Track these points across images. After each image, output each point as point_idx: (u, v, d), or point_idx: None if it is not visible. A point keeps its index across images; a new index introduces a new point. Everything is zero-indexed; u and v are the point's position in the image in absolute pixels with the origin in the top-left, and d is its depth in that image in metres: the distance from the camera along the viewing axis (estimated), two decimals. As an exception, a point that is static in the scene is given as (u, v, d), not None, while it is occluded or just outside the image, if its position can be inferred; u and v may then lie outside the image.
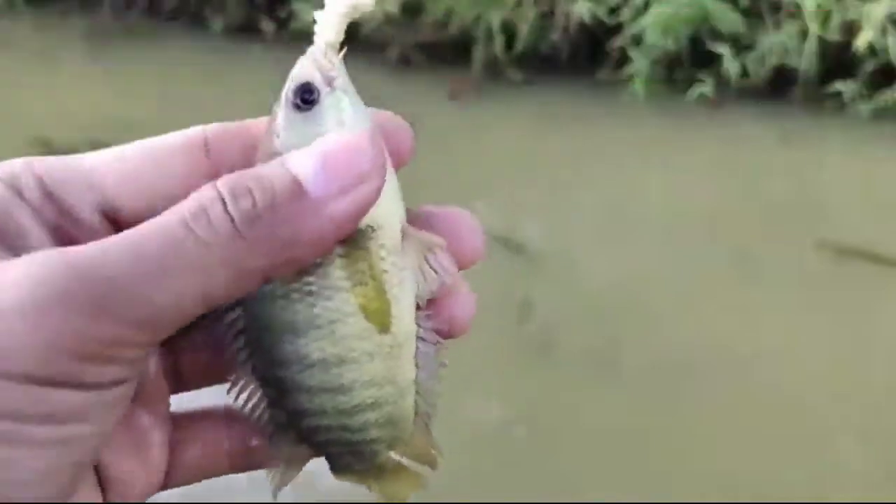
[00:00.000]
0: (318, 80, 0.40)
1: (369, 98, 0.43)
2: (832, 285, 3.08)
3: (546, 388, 2.65)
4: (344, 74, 0.41)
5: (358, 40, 4.82)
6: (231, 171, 0.37)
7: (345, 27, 0.41)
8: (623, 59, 4.41)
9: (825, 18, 4.16)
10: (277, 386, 0.41)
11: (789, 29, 4.22)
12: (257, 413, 0.41)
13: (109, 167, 0.39)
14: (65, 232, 0.38)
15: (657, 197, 3.67)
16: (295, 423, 0.41)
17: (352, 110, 0.40)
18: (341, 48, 0.42)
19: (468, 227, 0.42)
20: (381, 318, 0.40)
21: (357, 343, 0.40)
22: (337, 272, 0.40)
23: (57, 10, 5.48)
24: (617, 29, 4.45)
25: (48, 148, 3.83)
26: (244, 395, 0.41)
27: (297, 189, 0.35)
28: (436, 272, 0.41)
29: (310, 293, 0.39)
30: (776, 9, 4.28)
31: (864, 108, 4.06)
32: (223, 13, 5.26)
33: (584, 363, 2.73)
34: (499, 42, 4.59)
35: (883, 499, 2.24)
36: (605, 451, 2.44)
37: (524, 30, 4.57)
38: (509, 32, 4.62)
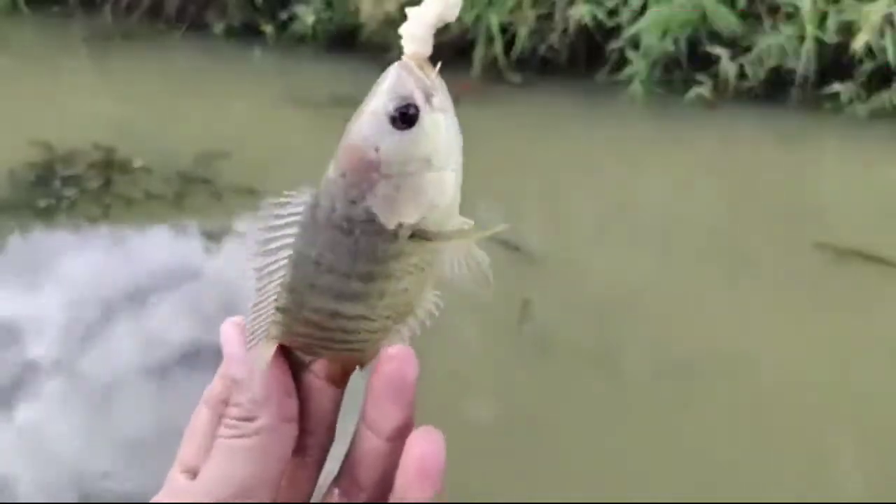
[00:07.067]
0: (418, 98, 0.39)
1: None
2: (831, 285, 3.06)
3: (545, 388, 2.64)
4: (442, 89, 0.39)
5: (358, 42, 4.83)
6: None
7: (432, 39, 0.39)
8: (621, 61, 4.42)
9: (822, 20, 4.17)
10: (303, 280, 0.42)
11: (787, 30, 4.23)
12: (272, 286, 0.42)
13: None
14: None
15: (656, 198, 3.66)
16: (294, 310, 0.42)
17: (446, 136, 0.40)
18: (432, 61, 0.40)
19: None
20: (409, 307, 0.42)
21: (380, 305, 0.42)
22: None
23: (58, 14, 5.48)
24: (615, 31, 4.46)
25: (48, 150, 3.83)
26: (270, 271, 0.42)
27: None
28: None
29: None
30: (774, 10, 4.29)
31: (862, 109, 4.07)
32: (224, 16, 5.27)
33: (584, 363, 2.72)
34: (498, 44, 4.60)
35: (882, 498, 2.23)
36: (605, 451, 2.43)
37: (523, 32, 4.58)
38: (509, 35, 4.63)
